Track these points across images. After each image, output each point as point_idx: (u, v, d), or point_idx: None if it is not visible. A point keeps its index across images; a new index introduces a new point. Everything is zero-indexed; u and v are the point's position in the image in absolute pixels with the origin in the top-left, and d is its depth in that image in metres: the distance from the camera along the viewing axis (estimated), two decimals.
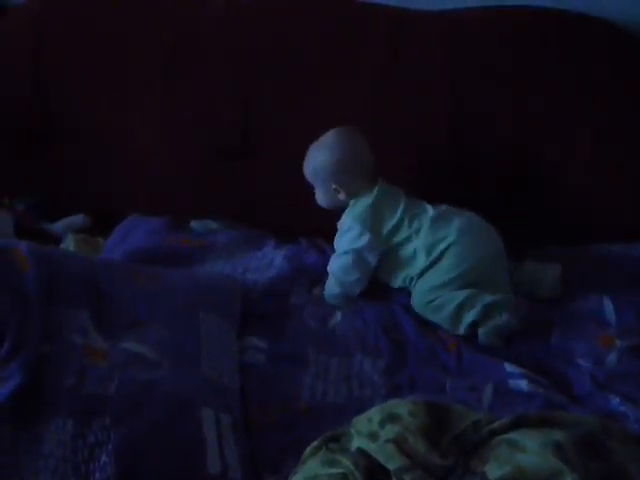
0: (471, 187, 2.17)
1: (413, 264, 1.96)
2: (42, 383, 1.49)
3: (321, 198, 2.06)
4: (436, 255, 1.93)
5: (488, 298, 1.87)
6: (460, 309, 1.87)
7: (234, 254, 2.10)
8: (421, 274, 1.95)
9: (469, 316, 1.86)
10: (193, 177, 2.26)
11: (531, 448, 1.33)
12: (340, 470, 1.35)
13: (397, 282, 2.00)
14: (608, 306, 1.94)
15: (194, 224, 2.22)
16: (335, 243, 2.04)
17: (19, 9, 2.33)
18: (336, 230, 2.06)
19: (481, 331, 1.86)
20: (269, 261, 2.08)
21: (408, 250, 1.97)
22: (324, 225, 2.11)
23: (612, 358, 1.80)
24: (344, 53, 2.20)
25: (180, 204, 2.27)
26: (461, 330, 1.87)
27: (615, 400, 1.69)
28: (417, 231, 1.96)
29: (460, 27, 2.19)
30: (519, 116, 2.16)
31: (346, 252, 1.98)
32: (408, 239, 1.97)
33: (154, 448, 1.45)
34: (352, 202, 2.02)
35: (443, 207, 1.99)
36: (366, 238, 1.97)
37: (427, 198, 2.03)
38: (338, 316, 1.93)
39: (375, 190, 2.00)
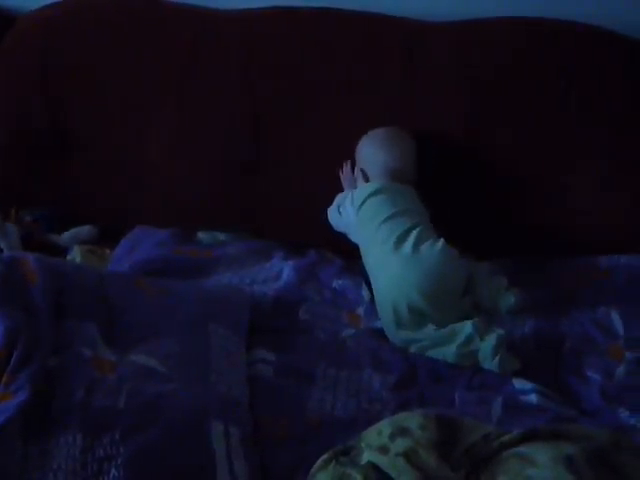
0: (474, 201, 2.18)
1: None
2: (51, 397, 1.48)
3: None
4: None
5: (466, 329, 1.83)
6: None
7: (242, 265, 2.10)
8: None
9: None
10: (201, 190, 2.26)
11: (542, 462, 1.33)
12: None
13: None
14: (616, 318, 1.93)
15: (201, 235, 2.22)
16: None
17: (29, 17, 2.32)
18: (345, 244, 2.09)
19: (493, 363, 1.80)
20: (278, 272, 2.08)
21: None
22: (334, 238, 2.14)
23: (621, 370, 1.80)
24: (359, 67, 2.20)
25: (188, 217, 2.27)
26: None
27: (625, 413, 1.68)
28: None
29: (475, 38, 2.19)
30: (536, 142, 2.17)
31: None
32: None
33: (163, 462, 1.44)
34: None
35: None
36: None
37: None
38: (350, 330, 1.93)
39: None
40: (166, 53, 2.24)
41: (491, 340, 1.79)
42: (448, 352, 1.82)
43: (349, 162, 2.15)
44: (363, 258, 2.03)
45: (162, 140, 2.26)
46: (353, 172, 2.15)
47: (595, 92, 2.15)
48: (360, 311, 1.99)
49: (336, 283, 2.06)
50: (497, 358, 1.78)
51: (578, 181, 2.16)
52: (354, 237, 2.09)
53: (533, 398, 1.71)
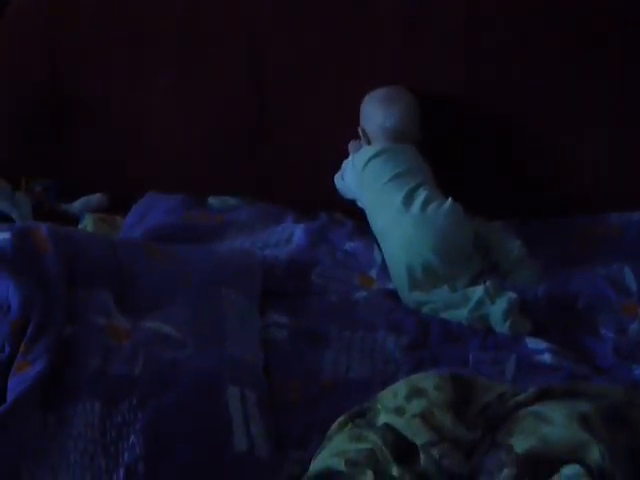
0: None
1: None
2: (68, 365, 1.50)
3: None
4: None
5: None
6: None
7: (253, 229, 2.10)
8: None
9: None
10: (210, 156, 2.26)
11: (557, 420, 1.34)
12: (367, 445, 1.35)
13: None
14: (629, 275, 1.93)
15: (212, 200, 2.22)
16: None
17: None
18: (356, 208, 2.09)
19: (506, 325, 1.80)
20: (289, 235, 2.08)
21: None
22: (344, 203, 2.14)
23: (635, 327, 1.80)
24: (361, 29, 2.17)
25: (197, 183, 2.27)
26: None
27: (638, 370, 1.69)
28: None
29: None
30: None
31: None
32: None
33: (181, 427, 1.46)
34: None
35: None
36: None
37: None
38: (362, 292, 1.93)
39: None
40: (168, 19, 2.21)
41: (502, 303, 1.79)
42: (460, 315, 1.82)
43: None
44: (370, 222, 2.03)
45: (168, 107, 2.25)
46: None
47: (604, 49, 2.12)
48: (373, 273, 1.99)
49: (348, 245, 2.06)
50: (508, 322, 1.78)
51: (587, 137, 2.16)
52: (360, 202, 2.08)
53: (547, 357, 1.71)
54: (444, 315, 1.84)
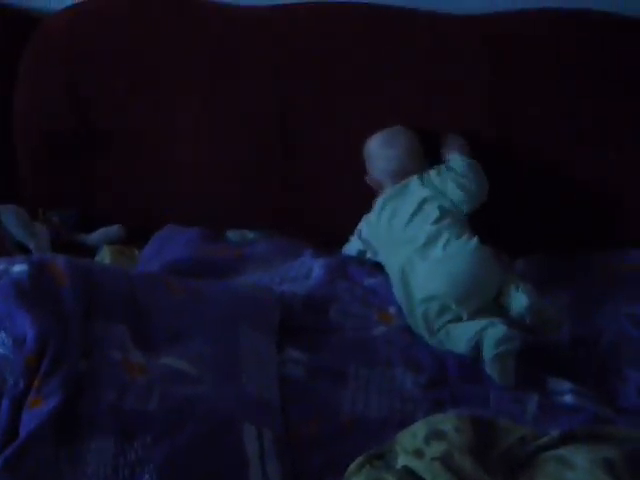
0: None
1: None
2: (82, 400, 1.47)
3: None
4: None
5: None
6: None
7: (271, 264, 2.08)
8: None
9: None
10: (229, 190, 2.25)
11: (581, 465, 1.31)
12: None
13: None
14: None
15: (230, 234, 2.21)
16: None
17: (54, 18, 2.30)
18: None
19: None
20: (307, 270, 2.05)
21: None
22: None
23: None
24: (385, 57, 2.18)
25: (216, 217, 2.25)
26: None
27: None
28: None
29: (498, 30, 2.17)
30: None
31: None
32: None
33: (197, 465, 1.43)
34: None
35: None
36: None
37: None
38: (381, 328, 1.90)
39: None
40: (191, 52, 2.22)
41: (490, 349, 1.73)
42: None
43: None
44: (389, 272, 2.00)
45: (189, 140, 2.24)
46: None
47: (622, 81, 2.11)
48: (392, 310, 1.96)
49: (367, 281, 2.03)
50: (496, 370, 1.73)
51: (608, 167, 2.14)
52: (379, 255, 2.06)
53: (569, 398, 1.68)
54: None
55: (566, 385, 1.71)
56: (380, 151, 2.09)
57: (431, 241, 1.91)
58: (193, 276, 1.96)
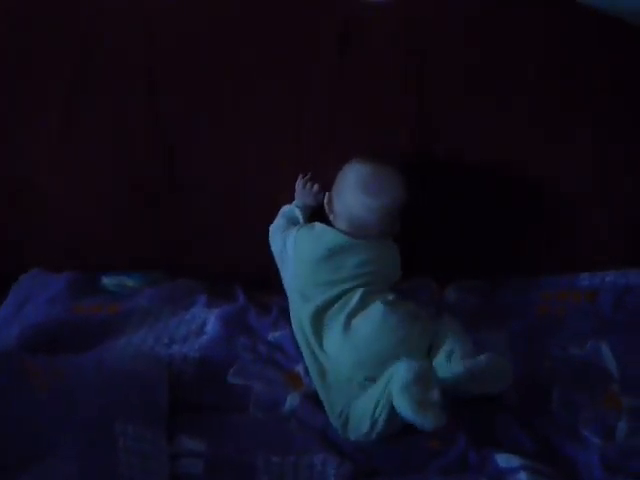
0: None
1: None
2: None
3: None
4: None
5: None
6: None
7: (157, 318, 1.75)
8: None
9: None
10: (102, 225, 1.90)
11: None
12: None
13: None
14: (607, 354, 1.66)
15: (106, 280, 1.86)
16: None
17: None
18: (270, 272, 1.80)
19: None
20: (201, 324, 1.74)
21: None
22: (263, 271, 1.81)
23: (622, 427, 1.51)
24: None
25: (89, 257, 1.91)
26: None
27: None
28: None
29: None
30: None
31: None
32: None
33: None
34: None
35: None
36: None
37: None
38: (294, 400, 1.58)
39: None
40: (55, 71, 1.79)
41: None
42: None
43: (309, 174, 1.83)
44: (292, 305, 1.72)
45: (54, 171, 1.85)
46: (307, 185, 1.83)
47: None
48: (300, 369, 1.65)
49: (271, 335, 1.72)
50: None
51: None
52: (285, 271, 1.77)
53: (522, 477, 1.40)
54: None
55: (517, 461, 1.43)
56: (361, 196, 1.71)
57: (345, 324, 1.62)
58: (61, 342, 1.65)
